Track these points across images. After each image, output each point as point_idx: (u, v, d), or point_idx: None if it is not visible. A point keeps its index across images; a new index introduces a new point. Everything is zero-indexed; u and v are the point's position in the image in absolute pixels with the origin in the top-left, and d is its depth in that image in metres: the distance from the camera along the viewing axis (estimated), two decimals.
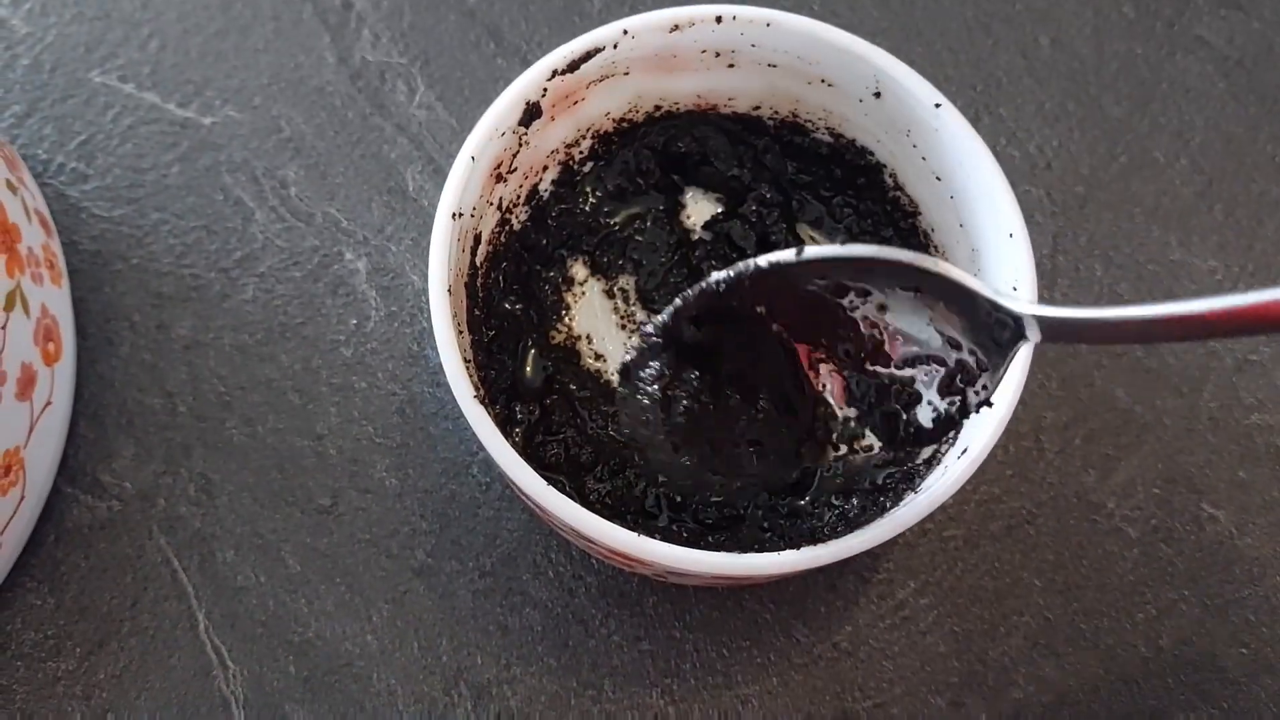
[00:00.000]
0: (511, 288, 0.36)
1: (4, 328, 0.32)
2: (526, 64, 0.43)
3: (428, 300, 0.31)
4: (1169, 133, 0.43)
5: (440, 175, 0.41)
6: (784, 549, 0.30)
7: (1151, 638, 0.37)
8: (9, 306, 0.32)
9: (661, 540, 0.29)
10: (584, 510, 0.29)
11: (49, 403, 0.35)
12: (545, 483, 0.29)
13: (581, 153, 0.37)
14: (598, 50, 0.33)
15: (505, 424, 0.35)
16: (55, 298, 0.36)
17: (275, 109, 0.42)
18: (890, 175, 0.36)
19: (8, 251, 0.32)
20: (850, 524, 0.34)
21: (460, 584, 0.37)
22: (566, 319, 0.37)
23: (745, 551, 0.33)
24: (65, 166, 0.41)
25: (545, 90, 0.33)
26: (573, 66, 0.33)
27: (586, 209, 0.38)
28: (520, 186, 0.36)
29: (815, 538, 0.34)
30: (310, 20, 0.43)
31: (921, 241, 0.36)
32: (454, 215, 0.32)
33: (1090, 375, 0.40)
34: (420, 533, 0.37)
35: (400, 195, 0.41)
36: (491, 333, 0.35)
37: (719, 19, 0.34)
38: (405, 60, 0.43)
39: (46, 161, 0.41)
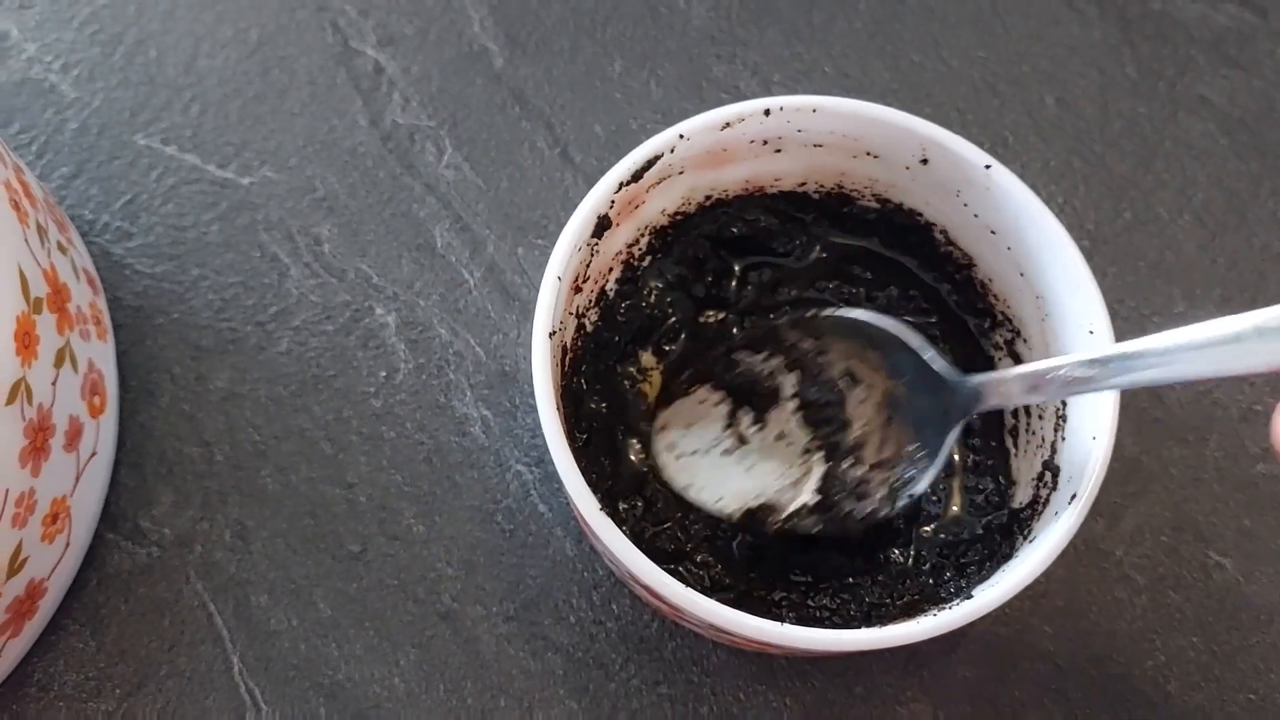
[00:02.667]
0: (594, 388, 0.37)
1: (54, 384, 0.33)
2: (549, 126, 0.45)
3: (535, 415, 0.31)
4: (1172, 189, 0.44)
5: (467, 232, 0.43)
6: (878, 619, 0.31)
7: (1160, 683, 0.38)
8: (59, 363, 0.34)
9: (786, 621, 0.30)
10: (723, 606, 0.30)
11: (94, 453, 0.36)
12: (683, 585, 0.30)
13: (640, 250, 0.38)
14: (657, 157, 0.35)
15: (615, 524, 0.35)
16: (101, 352, 0.38)
17: (310, 169, 0.44)
18: (941, 232, 0.37)
19: (58, 310, 0.34)
20: (952, 589, 0.35)
21: (484, 629, 0.38)
22: (647, 408, 0.38)
23: (859, 623, 0.34)
24: (110, 225, 0.43)
25: (613, 202, 0.35)
26: (636, 176, 0.35)
27: (651, 300, 0.39)
28: (592, 292, 0.37)
29: (915, 605, 0.35)
30: (344, 85, 0.45)
31: (979, 291, 0.38)
32: (550, 334, 0.33)
33: None
34: (446, 578, 0.38)
35: (429, 252, 0.43)
36: (584, 436, 0.36)
37: (767, 112, 0.35)
38: (434, 123, 0.45)
39: (93, 221, 0.43)
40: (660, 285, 0.39)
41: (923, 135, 0.34)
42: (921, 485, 0.34)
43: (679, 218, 0.38)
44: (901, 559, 0.36)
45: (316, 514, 0.39)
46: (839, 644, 0.29)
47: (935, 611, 0.30)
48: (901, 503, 0.34)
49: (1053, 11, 0.47)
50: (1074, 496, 0.31)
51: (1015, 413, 0.37)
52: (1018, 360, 0.37)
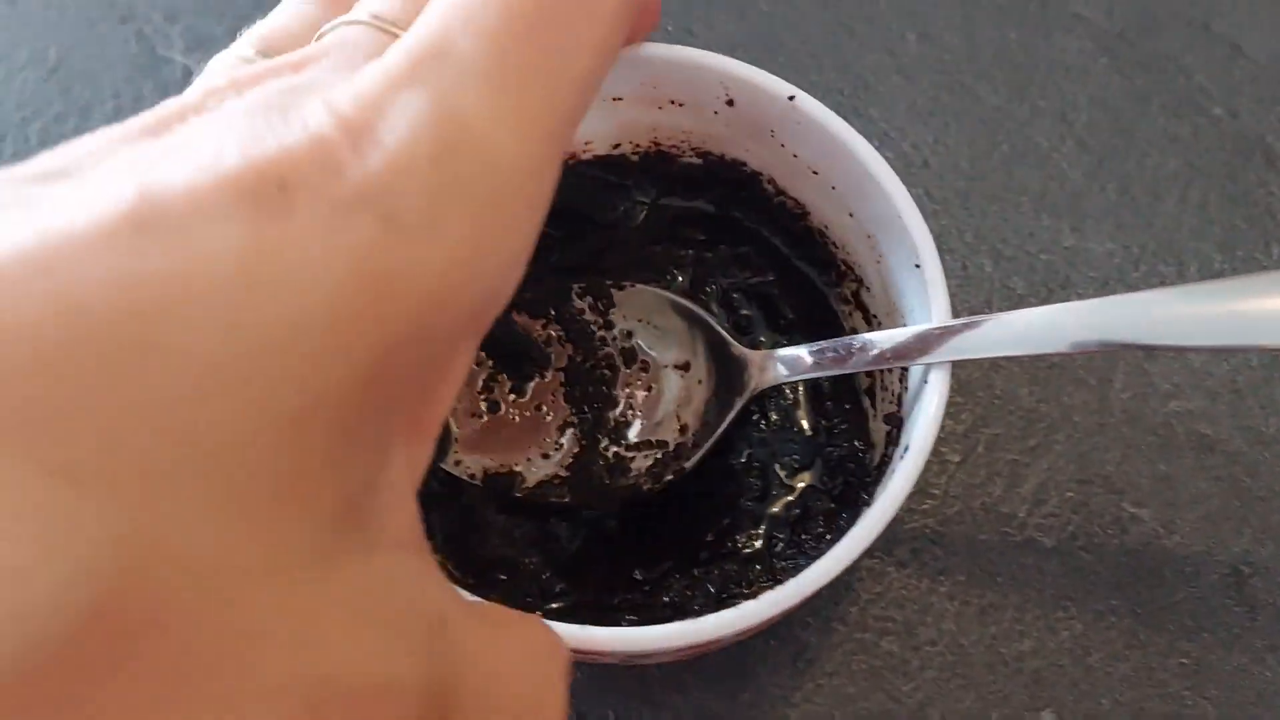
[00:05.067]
0: None
1: None
2: None
3: None
4: (1051, 115, 0.41)
5: None
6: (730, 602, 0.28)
7: (1079, 655, 0.34)
8: None
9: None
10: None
11: None
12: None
13: None
14: None
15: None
16: None
17: None
18: (769, 182, 0.34)
19: None
20: (789, 569, 0.31)
21: None
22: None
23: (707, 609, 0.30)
24: None
25: None
26: None
27: None
28: None
29: (757, 582, 0.31)
30: (151, 95, 0.42)
31: (818, 240, 0.34)
32: None
33: (990, 378, 0.37)
34: None
35: None
36: None
37: None
38: None
39: None
40: None
41: (719, 71, 0.31)
42: (689, 464, 0.32)
43: None
44: (752, 542, 0.32)
45: None
46: (639, 643, 0.25)
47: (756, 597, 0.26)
48: (668, 478, 0.32)
49: None
50: (906, 448, 0.27)
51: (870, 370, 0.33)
52: (865, 313, 0.33)
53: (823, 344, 0.31)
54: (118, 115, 0.41)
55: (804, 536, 0.32)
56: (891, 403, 0.31)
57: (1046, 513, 0.35)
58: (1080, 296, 0.38)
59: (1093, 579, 0.35)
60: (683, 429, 0.33)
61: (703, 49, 0.41)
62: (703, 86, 0.32)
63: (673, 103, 0.33)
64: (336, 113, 0.15)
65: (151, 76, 0.42)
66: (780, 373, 0.31)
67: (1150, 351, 0.29)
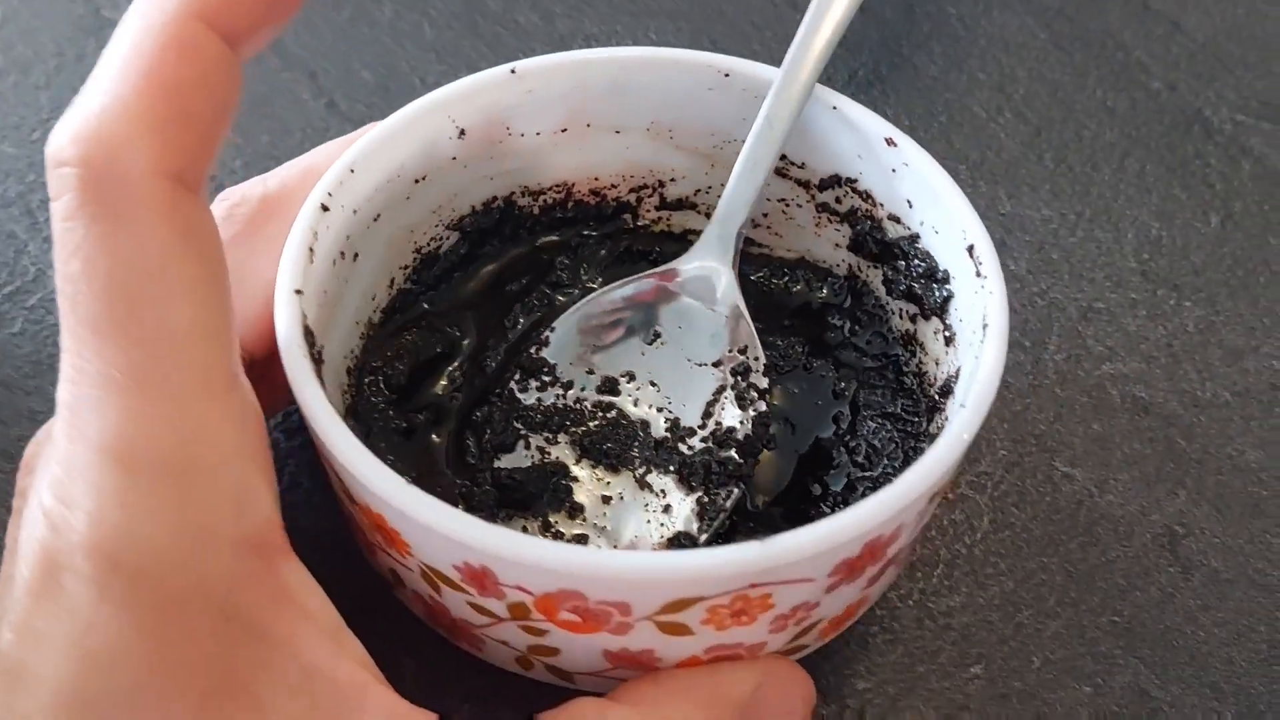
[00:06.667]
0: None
1: None
2: (313, 76, 0.41)
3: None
4: (989, 87, 0.41)
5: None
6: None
7: (1009, 613, 0.33)
8: None
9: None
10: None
11: None
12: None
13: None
14: None
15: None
16: None
17: None
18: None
19: None
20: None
21: None
22: None
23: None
24: None
25: None
26: None
27: None
28: None
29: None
30: (94, 55, 0.41)
31: None
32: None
33: None
34: None
35: None
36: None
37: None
38: None
39: None
40: None
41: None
42: (759, 367, 0.31)
43: None
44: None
45: None
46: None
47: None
48: (763, 383, 0.31)
49: None
50: (962, 405, 0.27)
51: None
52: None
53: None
54: (60, 72, 0.41)
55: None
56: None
57: (978, 470, 0.35)
58: (1016, 261, 0.38)
59: (1024, 536, 0.34)
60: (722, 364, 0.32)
61: (645, 16, 0.42)
62: None
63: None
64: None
65: (95, 35, 0.42)
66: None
67: None
